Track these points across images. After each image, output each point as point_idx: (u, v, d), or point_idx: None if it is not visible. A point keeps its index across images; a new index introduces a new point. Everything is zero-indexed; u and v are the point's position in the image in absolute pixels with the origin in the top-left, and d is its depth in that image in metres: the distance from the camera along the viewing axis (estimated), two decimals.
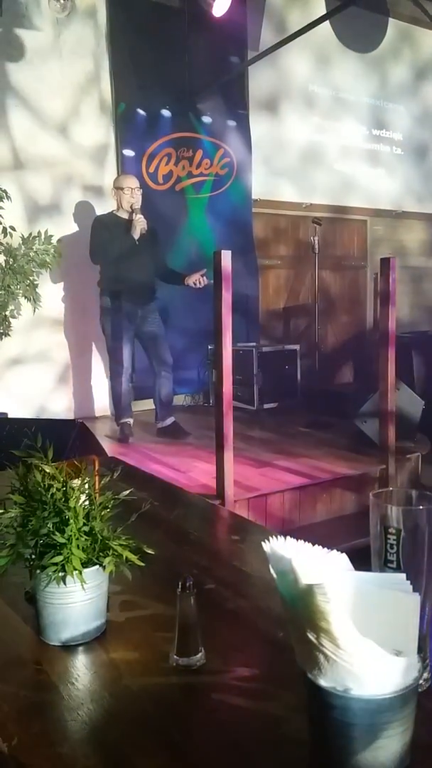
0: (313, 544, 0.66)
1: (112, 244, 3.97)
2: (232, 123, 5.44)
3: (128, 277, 3.98)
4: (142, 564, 0.84)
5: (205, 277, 3.99)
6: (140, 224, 3.96)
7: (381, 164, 6.68)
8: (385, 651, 0.57)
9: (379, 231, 6.63)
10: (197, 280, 4.03)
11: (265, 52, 5.21)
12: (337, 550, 0.66)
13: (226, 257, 2.88)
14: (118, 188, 4.12)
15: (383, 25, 6.38)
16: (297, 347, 5.40)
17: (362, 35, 6.18)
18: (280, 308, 6.10)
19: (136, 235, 3.96)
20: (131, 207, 4.02)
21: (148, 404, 4.50)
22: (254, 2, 5.33)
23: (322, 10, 5.49)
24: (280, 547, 0.63)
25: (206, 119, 5.32)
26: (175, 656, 0.79)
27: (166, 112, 5.13)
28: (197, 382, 5.24)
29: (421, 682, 0.58)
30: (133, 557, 0.83)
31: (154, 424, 4.29)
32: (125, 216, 4.07)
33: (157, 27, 4.91)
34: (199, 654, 0.79)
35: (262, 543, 0.63)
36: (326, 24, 5.51)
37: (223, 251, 2.89)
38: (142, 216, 3.99)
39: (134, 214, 3.98)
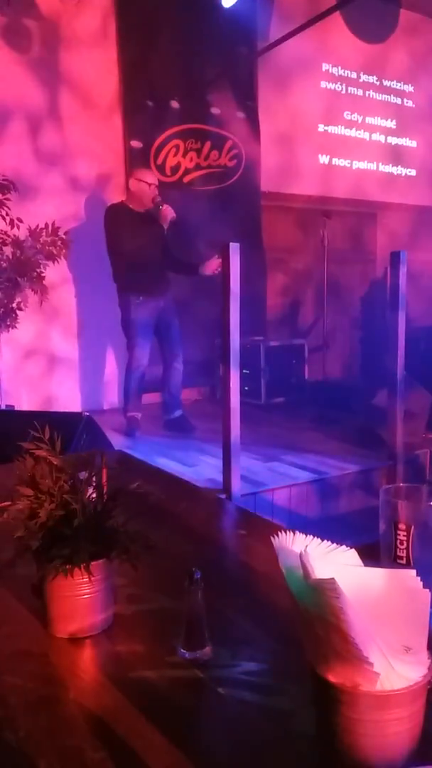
0: (322, 540, 0.65)
1: (132, 235, 3.94)
2: (240, 114, 5.41)
3: (146, 269, 3.96)
4: (149, 556, 0.84)
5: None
6: (170, 213, 3.94)
7: (392, 156, 6.62)
8: (394, 647, 0.57)
9: (390, 224, 6.58)
10: (216, 266, 3.67)
11: (275, 43, 5.17)
12: (346, 546, 0.66)
13: (234, 250, 2.87)
14: (139, 180, 4.09)
15: (394, 15, 6.31)
16: (305, 341, 5.37)
17: (373, 25, 6.12)
18: (289, 302, 6.07)
19: (166, 225, 3.94)
20: (153, 200, 4.00)
21: (154, 398, 4.50)
22: None
23: (332, 0, 5.44)
24: (289, 542, 0.63)
25: (215, 110, 5.29)
26: (182, 650, 0.79)
27: (174, 104, 5.10)
28: (205, 376, 5.23)
29: (430, 678, 0.58)
30: (139, 550, 0.83)
31: (162, 416, 4.29)
32: (138, 209, 4.05)
33: (166, 18, 4.88)
34: (207, 648, 0.79)
35: (271, 538, 0.62)
36: (336, 13, 5.46)
37: (231, 244, 2.87)
38: (168, 205, 3.96)
39: (160, 205, 3.95)
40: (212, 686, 0.74)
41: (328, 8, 5.11)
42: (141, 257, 3.94)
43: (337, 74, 6.12)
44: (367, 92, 6.37)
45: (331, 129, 6.18)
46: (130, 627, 0.87)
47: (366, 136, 6.44)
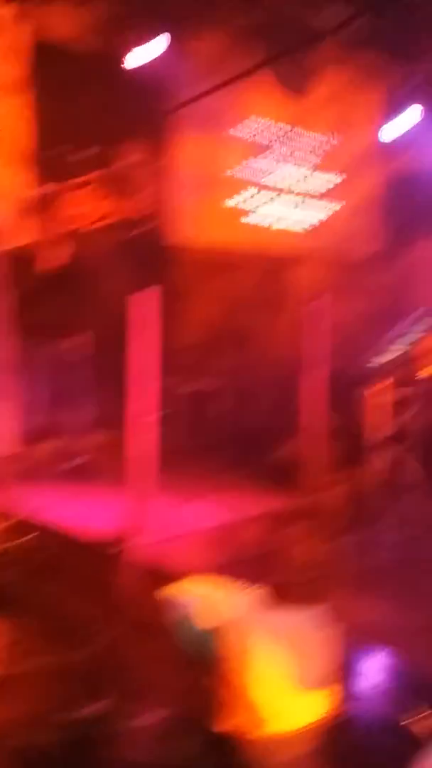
0: (232, 582, 0.65)
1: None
2: (153, 165, 5.47)
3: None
4: (40, 612, 0.80)
5: None
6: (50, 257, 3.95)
7: (312, 204, 6.69)
8: (295, 686, 0.57)
9: (307, 272, 6.64)
10: None
11: (192, 99, 5.29)
12: (254, 587, 0.66)
13: (142, 301, 2.88)
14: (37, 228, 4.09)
15: (315, 65, 6.42)
16: (218, 386, 5.41)
17: (299, 74, 6.15)
18: (204, 348, 6.06)
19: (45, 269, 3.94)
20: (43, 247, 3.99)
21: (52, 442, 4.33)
22: (183, 46, 5.35)
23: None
24: (179, 593, 0.62)
25: (127, 160, 5.34)
26: (77, 705, 0.75)
27: (85, 152, 5.13)
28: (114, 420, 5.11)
29: (328, 717, 0.58)
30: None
31: (61, 462, 4.16)
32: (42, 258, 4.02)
33: (81, 69, 4.91)
34: (103, 701, 0.76)
35: (157, 592, 0.62)
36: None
37: (137, 296, 2.88)
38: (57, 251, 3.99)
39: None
40: (107, 739, 0.71)
41: (248, 69, 5.24)
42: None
43: (256, 119, 6.14)
44: (287, 131, 6.42)
45: (248, 175, 6.21)
46: (14, 689, 0.82)
47: (287, 173, 6.48)
